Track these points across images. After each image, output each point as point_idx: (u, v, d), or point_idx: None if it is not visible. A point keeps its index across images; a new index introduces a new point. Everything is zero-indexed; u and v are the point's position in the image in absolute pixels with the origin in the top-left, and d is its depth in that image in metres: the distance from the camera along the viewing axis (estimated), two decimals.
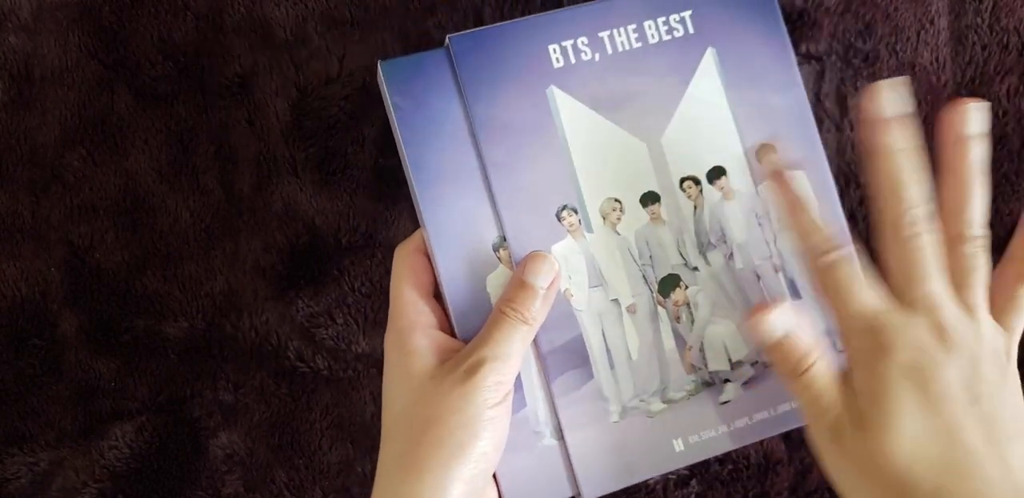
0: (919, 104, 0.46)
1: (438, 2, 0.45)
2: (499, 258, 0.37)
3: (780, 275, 0.38)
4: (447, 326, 0.37)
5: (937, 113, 0.46)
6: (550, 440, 0.37)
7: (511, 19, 0.45)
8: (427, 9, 0.45)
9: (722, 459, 0.47)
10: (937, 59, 0.46)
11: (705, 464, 0.47)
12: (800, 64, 0.46)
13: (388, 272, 0.46)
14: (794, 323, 0.35)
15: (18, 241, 0.46)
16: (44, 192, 0.46)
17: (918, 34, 0.46)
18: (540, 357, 0.37)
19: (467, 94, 0.36)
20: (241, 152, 0.46)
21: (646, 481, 0.47)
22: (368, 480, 0.46)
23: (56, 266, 0.46)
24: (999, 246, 0.46)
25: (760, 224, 0.38)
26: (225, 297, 0.46)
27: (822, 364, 0.35)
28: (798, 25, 0.46)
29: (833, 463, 0.34)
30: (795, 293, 0.38)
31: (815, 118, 0.46)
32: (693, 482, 0.47)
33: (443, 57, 0.37)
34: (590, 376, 0.37)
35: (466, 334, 0.36)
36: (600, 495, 0.37)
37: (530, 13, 0.45)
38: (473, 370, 0.34)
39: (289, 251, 0.46)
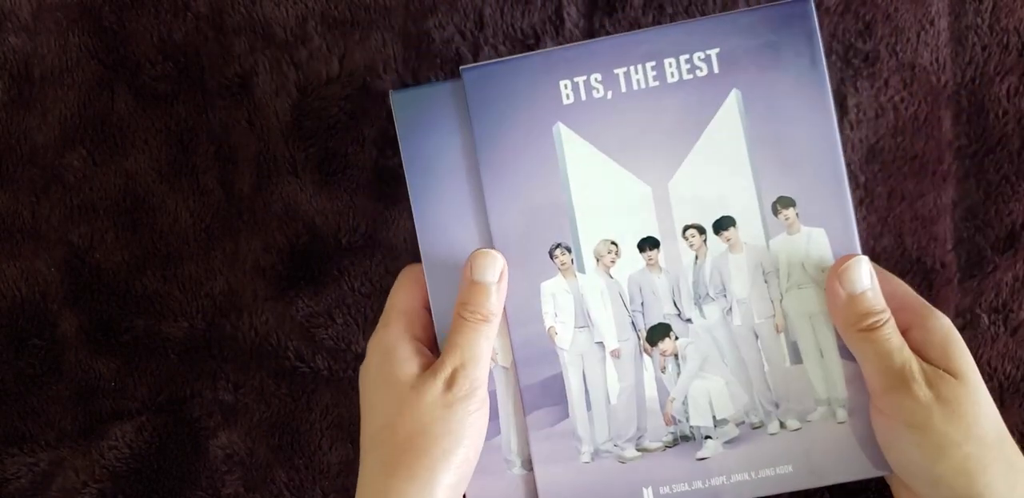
0: (919, 105, 0.46)
1: (438, 2, 0.45)
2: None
3: (782, 336, 0.36)
4: (432, 343, 0.38)
5: (937, 115, 0.46)
6: (520, 470, 0.37)
7: (512, 20, 0.45)
8: (427, 9, 0.45)
9: None
10: (937, 59, 0.46)
11: None
12: None
13: (388, 272, 0.46)
14: (873, 280, 0.35)
15: (18, 241, 0.46)
16: (44, 192, 0.46)
17: (918, 34, 0.46)
18: (518, 390, 0.37)
19: (474, 125, 0.36)
20: (241, 152, 0.46)
21: None
22: None
23: (56, 266, 0.46)
24: (998, 246, 0.46)
25: (767, 280, 0.36)
26: (225, 297, 0.46)
27: (893, 322, 0.35)
28: None
29: (908, 418, 0.34)
30: (796, 357, 0.36)
31: None
32: None
33: (452, 89, 0.37)
34: (566, 415, 0.36)
35: None
36: None
37: (530, 14, 0.45)
38: (451, 381, 0.35)
39: (289, 251, 0.46)
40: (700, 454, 0.36)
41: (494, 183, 0.37)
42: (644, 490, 0.36)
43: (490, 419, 0.36)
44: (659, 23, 0.45)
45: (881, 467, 0.36)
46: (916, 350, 0.35)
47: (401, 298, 0.38)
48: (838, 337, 0.36)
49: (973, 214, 0.46)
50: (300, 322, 0.46)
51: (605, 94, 0.36)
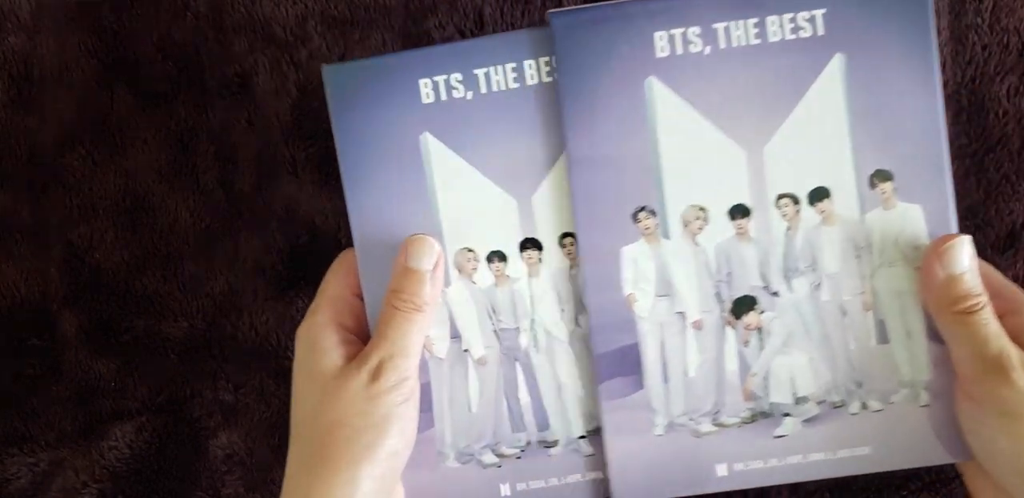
0: None
1: (438, 2, 0.45)
2: None
3: (870, 314, 0.35)
4: (363, 331, 0.37)
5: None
6: (454, 462, 0.36)
7: (512, 20, 0.45)
8: (427, 9, 0.45)
9: None
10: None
11: None
12: None
13: None
14: (973, 262, 0.34)
15: (18, 241, 0.46)
16: (44, 192, 0.46)
17: None
18: (591, 358, 0.36)
19: (561, 76, 0.34)
20: (241, 152, 0.46)
21: None
22: None
23: (56, 266, 0.46)
24: (998, 246, 0.46)
25: (858, 256, 0.35)
26: (225, 297, 0.46)
27: (991, 307, 0.33)
28: None
29: (1001, 405, 0.33)
30: (883, 337, 0.35)
31: None
32: None
33: (393, 63, 0.35)
34: (640, 386, 0.35)
35: None
36: None
37: (530, 13, 0.45)
38: (376, 373, 0.34)
39: (289, 251, 0.46)
40: (778, 432, 0.35)
41: (578, 139, 0.34)
42: (717, 466, 0.35)
43: (424, 411, 0.36)
44: None
45: (960, 454, 0.35)
46: (1011, 337, 0.33)
47: (332, 285, 0.37)
48: (927, 318, 0.35)
49: (973, 213, 0.46)
50: (300, 322, 0.46)
51: (703, 49, 0.34)
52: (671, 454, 0.35)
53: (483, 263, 0.36)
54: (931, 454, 0.35)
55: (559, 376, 0.36)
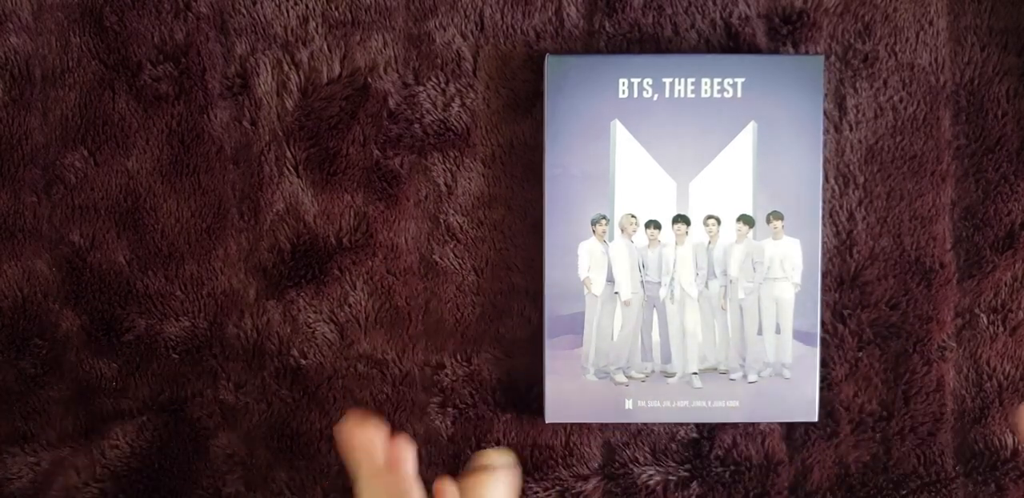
0: (918, 105, 0.46)
1: (439, 3, 0.45)
2: (593, 231, 0.44)
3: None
4: None
5: (935, 115, 0.46)
6: (592, 376, 0.45)
7: (513, 21, 0.45)
8: (428, 10, 0.45)
9: (723, 459, 0.47)
10: (936, 59, 0.46)
11: (706, 465, 0.47)
12: None
13: (389, 272, 0.46)
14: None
15: (19, 241, 0.46)
16: (45, 192, 0.46)
17: (917, 35, 0.46)
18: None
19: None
20: (241, 152, 0.46)
21: (645, 482, 0.47)
22: None
23: (57, 266, 0.46)
24: (997, 246, 0.46)
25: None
26: (226, 297, 0.46)
27: None
28: (797, 26, 0.46)
29: None
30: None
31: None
32: (694, 484, 0.47)
33: (603, 62, 0.44)
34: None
35: (553, 293, 0.45)
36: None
37: (530, 15, 0.45)
38: None
39: (289, 251, 0.46)
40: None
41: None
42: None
43: (575, 333, 0.45)
44: (659, 24, 0.46)
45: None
46: None
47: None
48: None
49: (972, 214, 0.46)
50: (300, 322, 0.46)
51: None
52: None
53: (641, 227, 0.45)
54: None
55: (685, 324, 0.45)
